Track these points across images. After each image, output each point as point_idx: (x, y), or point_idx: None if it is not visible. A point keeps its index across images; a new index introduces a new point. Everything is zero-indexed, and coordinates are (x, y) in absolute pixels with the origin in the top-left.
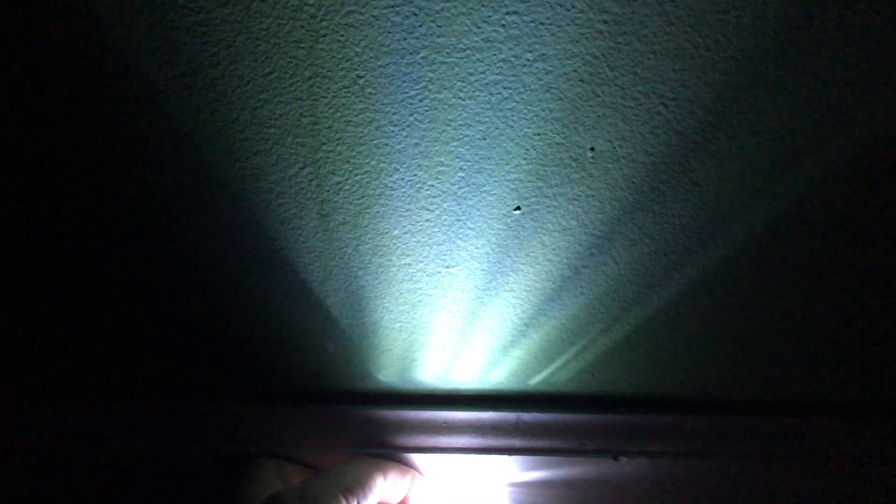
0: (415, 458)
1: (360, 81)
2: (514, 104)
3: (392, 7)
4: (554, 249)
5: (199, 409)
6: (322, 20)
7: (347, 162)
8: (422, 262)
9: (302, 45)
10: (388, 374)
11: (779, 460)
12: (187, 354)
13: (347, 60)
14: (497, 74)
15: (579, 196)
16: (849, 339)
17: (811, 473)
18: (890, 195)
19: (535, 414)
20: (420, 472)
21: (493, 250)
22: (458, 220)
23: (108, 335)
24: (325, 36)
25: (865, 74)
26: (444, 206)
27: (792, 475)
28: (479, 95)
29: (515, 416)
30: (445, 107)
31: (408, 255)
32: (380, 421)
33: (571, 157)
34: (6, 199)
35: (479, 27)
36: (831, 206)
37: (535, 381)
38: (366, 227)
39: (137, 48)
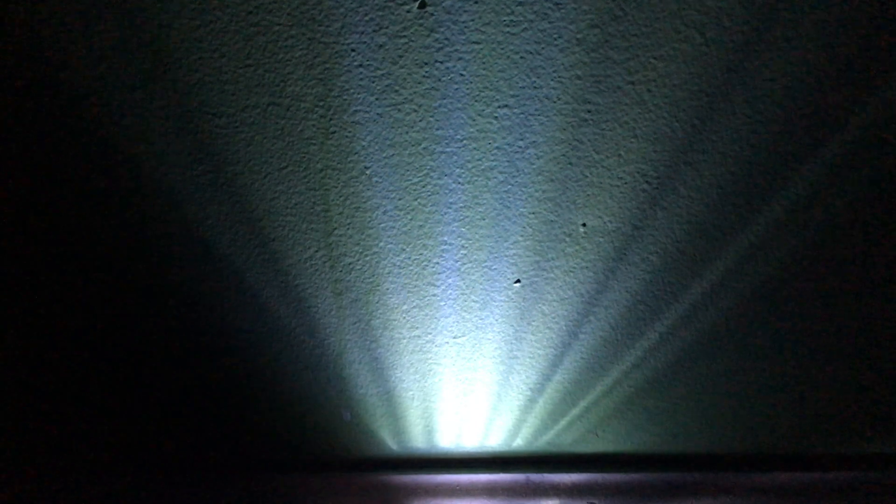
0: None
1: (367, 172)
2: (510, 187)
3: (394, 105)
4: (553, 318)
5: (219, 479)
6: (331, 119)
7: (358, 244)
8: (430, 333)
9: (313, 141)
10: (402, 441)
11: None
12: (211, 427)
13: (355, 154)
14: (492, 161)
15: (574, 268)
16: (841, 394)
17: None
18: (866, 263)
19: (544, 474)
20: None
21: (496, 321)
22: (462, 294)
23: (132, 410)
24: (334, 133)
25: (837, 154)
26: (449, 281)
27: None
28: (476, 180)
29: (525, 477)
30: (446, 192)
31: (417, 328)
32: (396, 486)
33: (565, 232)
34: (46, 291)
35: (474, 120)
36: (812, 272)
37: (542, 442)
38: (377, 303)
39: (166, 150)
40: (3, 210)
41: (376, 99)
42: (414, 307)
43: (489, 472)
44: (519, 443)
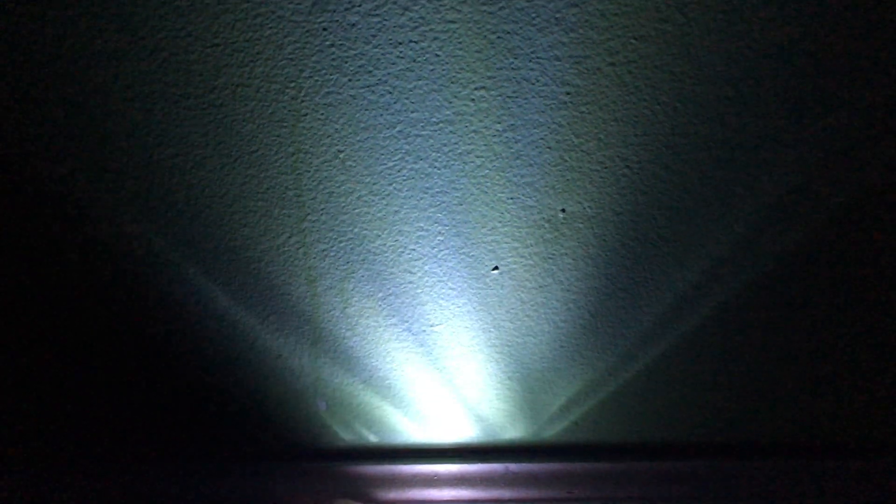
0: None
1: (341, 156)
2: (487, 171)
3: (368, 86)
4: (532, 306)
5: (190, 469)
6: (303, 101)
7: (332, 230)
8: (407, 321)
9: (284, 124)
10: (378, 430)
11: (765, 502)
12: (182, 417)
13: (328, 137)
14: (469, 144)
15: (554, 254)
16: (819, 384)
17: None
18: (865, 257)
19: (524, 464)
20: None
21: (474, 308)
22: (439, 281)
23: (117, 404)
24: (306, 115)
25: (826, 139)
26: (426, 268)
27: None
28: (453, 164)
29: (504, 467)
30: (422, 176)
31: (393, 316)
32: (372, 476)
33: (544, 218)
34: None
35: (450, 102)
36: (800, 266)
37: (521, 432)
38: (352, 290)
39: (132, 132)
40: None
41: (349, 80)
42: (390, 295)
43: (468, 462)
44: (498, 433)
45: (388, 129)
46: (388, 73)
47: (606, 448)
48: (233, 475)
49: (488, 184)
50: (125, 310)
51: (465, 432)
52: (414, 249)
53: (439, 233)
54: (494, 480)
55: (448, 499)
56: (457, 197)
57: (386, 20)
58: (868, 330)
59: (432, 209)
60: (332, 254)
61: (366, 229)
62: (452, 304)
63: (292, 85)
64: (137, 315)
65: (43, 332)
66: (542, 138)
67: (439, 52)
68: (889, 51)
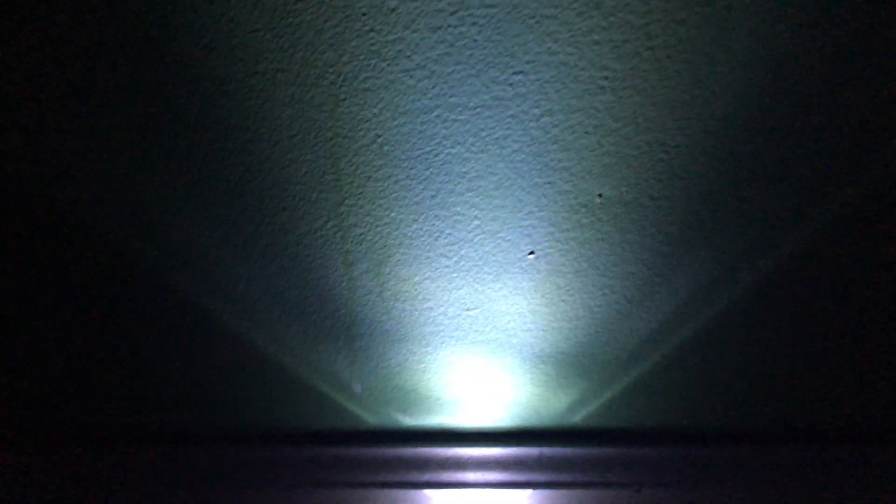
0: (441, 493)
1: (379, 140)
2: (524, 156)
3: (406, 71)
4: (568, 290)
5: (226, 449)
6: (341, 86)
7: (369, 215)
8: (442, 305)
9: (324, 109)
10: (413, 414)
11: (795, 488)
12: (221, 398)
13: (366, 121)
14: (507, 129)
15: (590, 239)
16: (847, 372)
17: (828, 499)
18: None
19: (558, 448)
20: None
21: (510, 293)
22: (475, 266)
23: (133, 378)
24: (344, 100)
25: (863, 123)
26: (462, 252)
27: (813, 501)
28: (490, 149)
29: (538, 451)
30: (459, 161)
31: (429, 300)
32: (406, 459)
33: (580, 203)
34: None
35: (487, 87)
36: (835, 250)
37: (556, 416)
38: (388, 274)
39: (174, 117)
40: None
41: (388, 65)
42: (426, 279)
43: (501, 446)
44: (531, 417)
45: (425, 113)
46: (427, 58)
47: (639, 433)
48: (266, 457)
49: (525, 168)
50: (166, 289)
51: (498, 416)
52: (450, 234)
53: (475, 217)
54: (527, 464)
55: (483, 481)
56: (493, 182)
57: (425, 5)
58: None
59: (469, 194)
60: (368, 238)
61: (402, 214)
62: (488, 288)
63: (331, 70)
64: (178, 294)
65: (73, 322)
66: (579, 123)
67: (477, 37)
68: None
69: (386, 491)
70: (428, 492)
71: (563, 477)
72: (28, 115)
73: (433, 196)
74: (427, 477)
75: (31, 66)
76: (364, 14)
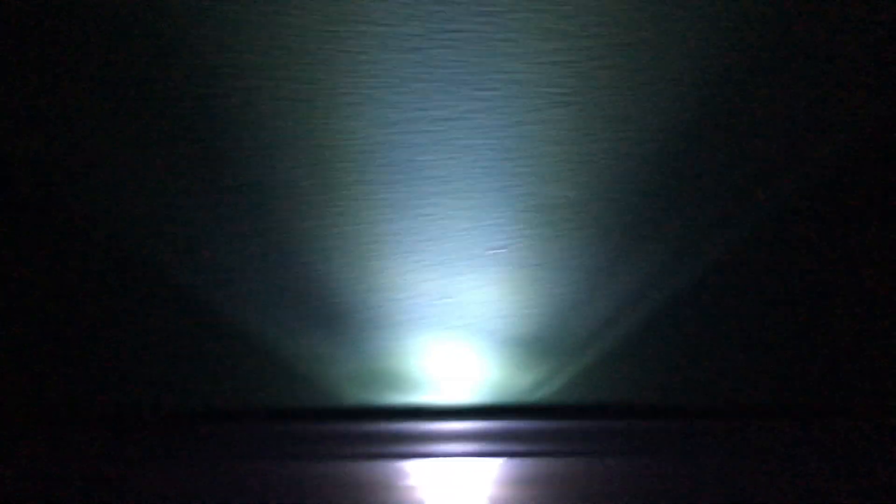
0: (419, 464)
1: (362, 149)
2: (491, 162)
3: (386, 87)
4: (532, 281)
5: (242, 427)
6: (328, 101)
7: (353, 215)
8: (421, 295)
9: (313, 121)
10: (393, 392)
11: (756, 461)
12: (224, 380)
13: (350, 132)
14: (475, 139)
15: (551, 236)
16: (822, 350)
17: (794, 472)
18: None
19: (525, 422)
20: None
21: (481, 283)
22: (449, 260)
23: (144, 356)
24: (331, 113)
25: (809, 122)
26: (437, 248)
27: (778, 474)
28: (460, 156)
29: (507, 424)
30: (433, 167)
31: (408, 290)
32: (387, 433)
33: (542, 203)
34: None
35: (458, 102)
36: (774, 245)
37: (522, 393)
38: (371, 267)
39: (182, 131)
40: None
41: (369, 83)
42: (406, 271)
43: (474, 421)
44: (501, 394)
45: (402, 124)
46: (403, 77)
47: (597, 407)
48: (261, 433)
49: (492, 173)
50: (172, 280)
51: (470, 394)
52: (427, 231)
53: (449, 216)
54: (498, 437)
55: (456, 451)
56: (464, 185)
57: (402, 30)
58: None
59: (443, 196)
60: (353, 235)
61: (383, 214)
62: (459, 279)
63: (319, 87)
64: (182, 285)
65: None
66: (539, 133)
67: (448, 58)
68: None
69: (369, 463)
70: (407, 463)
71: (530, 448)
72: (55, 125)
73: (411, 198)
74: (406, 449)
75: (56, 87)
76: (348, 38)
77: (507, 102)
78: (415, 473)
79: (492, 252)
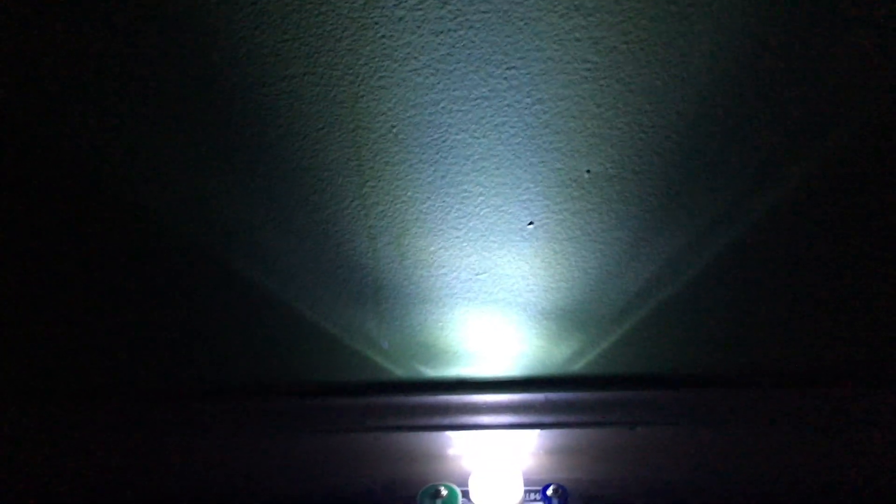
0: (461, 434)
1: (394, 130)
2: (520, 139)
3: (415, 70)
4: (564, 255)
5: (266, 403)
6: (360, 84)
7: (388, 194)
8: (455, 271)
9: (345, 105)
10: (434, 366)
11: (774, 427)
12: (273, 357)
13: (382, 114)
14: (504, 117)
15: (581, 210)
16: (871, 317)
17: (809, 439)
18: (860, 204)
19: (561, 393)
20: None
21: (513, 259)
22: (482, 236)
23: (169, 339)
24: (363, 97)
25: (821, 106)
26: (470, 224)
27: (791, 441)
28: (490, 134)
29: (544, 396)
30: (464, 145)
31: (444, 267)
32: (429, 405)
33: (571, 178)
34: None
35: (485, 81)
36: (804, 212)
37: (558, 365)
38: (407, 245)
39: (221, 119)
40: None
41: (398, 65)
42: (440, 248)
43: (511, 393)
44: (537, 366)
45: (433, 105)
46: (432, 58)
47: (632, 378)
48: (309, 407)
49: (521, 150)
50: (219, 262)
51: (508, 367)
52: (459, 209)
53: (480, 194)
54: (535, 408)
55: (495, 423)
56: (494, 162)
57: (429, 13)
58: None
59: (474, 174)
60: (389, 214)
61: (417, 192)
62: (494, 255)
63: (350, 72)
64: (230, 266)
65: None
66: (566, 109)
67: (475, 38)
68: None
69: (412, 434)
70: (449, 433)
71: (567, 418)
72: (109, 116)
73: (443, 177)
74: (448, 420)
75: (101, 73)
76: (376, 23)
77: (532, 80)
78: (457, 443)
79: (523, 227)
